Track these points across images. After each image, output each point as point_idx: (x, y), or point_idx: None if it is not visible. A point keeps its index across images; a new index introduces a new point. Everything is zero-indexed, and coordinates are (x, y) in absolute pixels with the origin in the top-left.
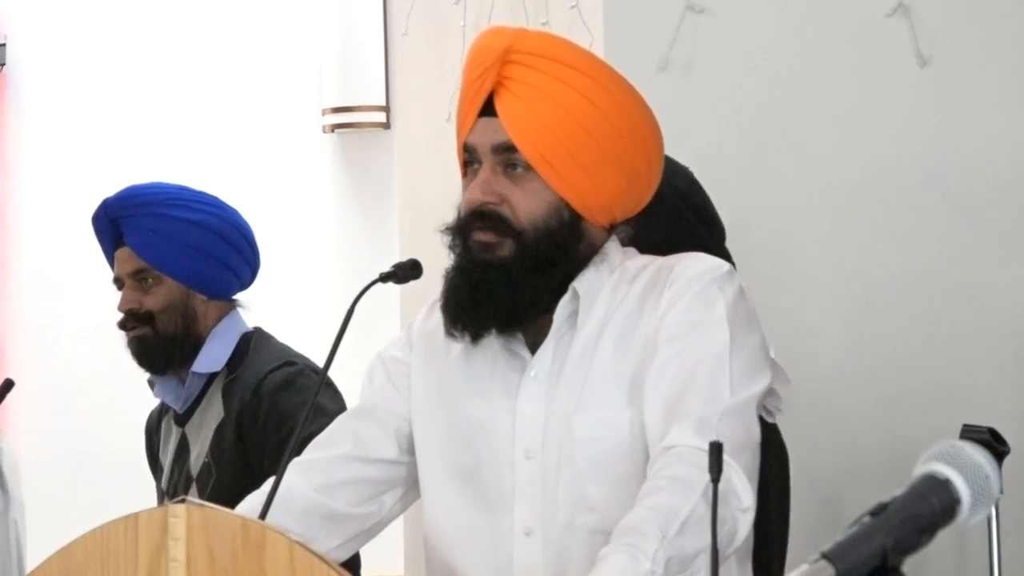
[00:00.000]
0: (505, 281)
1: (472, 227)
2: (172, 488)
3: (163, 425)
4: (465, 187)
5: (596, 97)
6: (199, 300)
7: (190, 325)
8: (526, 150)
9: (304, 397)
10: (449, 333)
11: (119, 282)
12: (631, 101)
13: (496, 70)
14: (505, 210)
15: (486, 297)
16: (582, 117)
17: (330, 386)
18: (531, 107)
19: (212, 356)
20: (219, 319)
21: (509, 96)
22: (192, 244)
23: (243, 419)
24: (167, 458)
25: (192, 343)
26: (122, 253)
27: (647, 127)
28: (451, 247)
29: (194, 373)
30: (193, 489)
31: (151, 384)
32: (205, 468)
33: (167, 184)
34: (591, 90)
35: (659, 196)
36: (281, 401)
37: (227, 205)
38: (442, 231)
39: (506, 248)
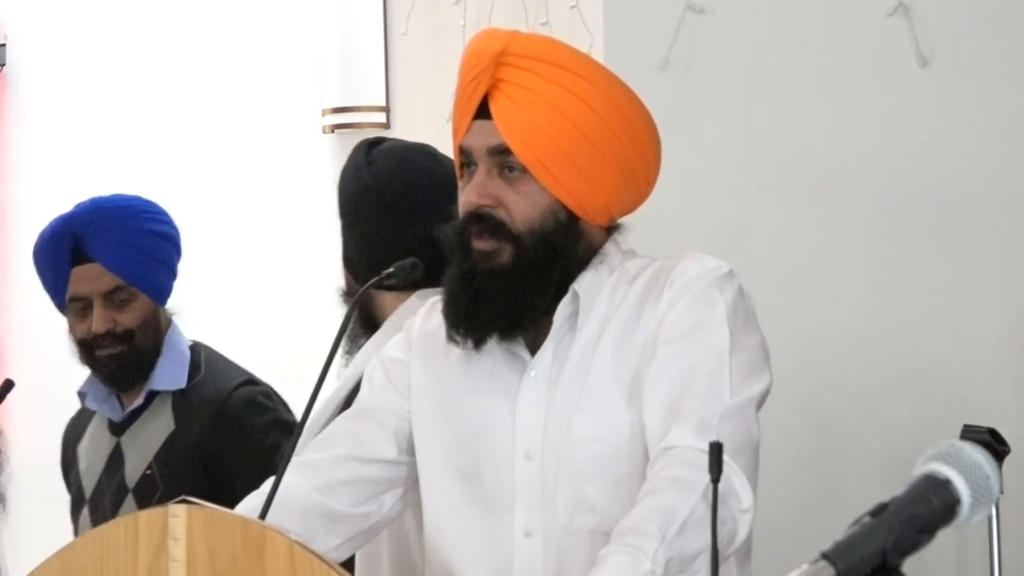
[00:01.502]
0: (506, 288)
1: (470, 232)
2: (99, 497)
3: (88, 432)
4: (462, 188)
5: (591, 99)
6: (161, 312)
7: (159, 339)
8: (521, 153)
9: (272, 416)
10: (451, 339)
11: (79, 301)
12: (627, 102)
13: (490, 73)
14: (501, 213)
15: (488, 305)
16: (577, 119)
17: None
18: (526, 110)
19: (171, 373)
20: (166, 330)
21: (504, 99)
22: (159, 257)
23: (206, 437)
24: (90, 464)
25: (155, 356)
26: (88, 270)
27: (643, 128)
28: (451, 252)
29: (152, 391)
30: (129, 499)
31: (81, 396)
32: (146, 480)
33: (128, 195)
34: (586, 92)
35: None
36: (249, 420)
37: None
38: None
39: (505, 255)
